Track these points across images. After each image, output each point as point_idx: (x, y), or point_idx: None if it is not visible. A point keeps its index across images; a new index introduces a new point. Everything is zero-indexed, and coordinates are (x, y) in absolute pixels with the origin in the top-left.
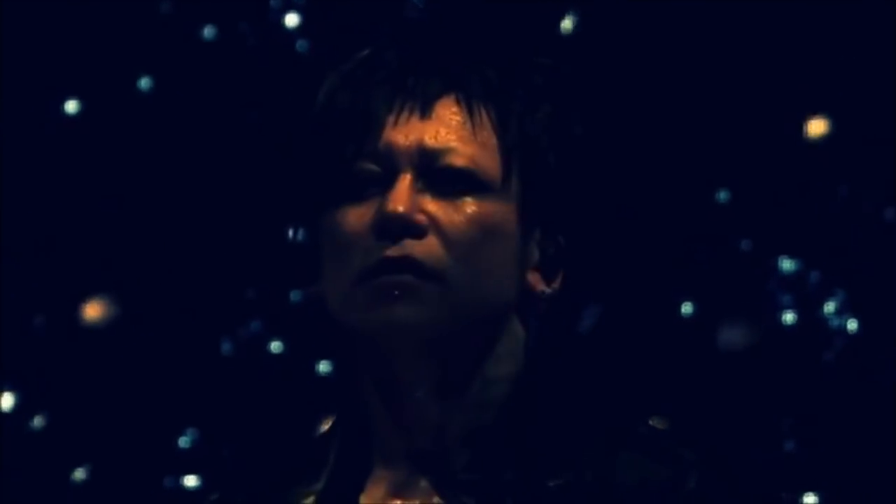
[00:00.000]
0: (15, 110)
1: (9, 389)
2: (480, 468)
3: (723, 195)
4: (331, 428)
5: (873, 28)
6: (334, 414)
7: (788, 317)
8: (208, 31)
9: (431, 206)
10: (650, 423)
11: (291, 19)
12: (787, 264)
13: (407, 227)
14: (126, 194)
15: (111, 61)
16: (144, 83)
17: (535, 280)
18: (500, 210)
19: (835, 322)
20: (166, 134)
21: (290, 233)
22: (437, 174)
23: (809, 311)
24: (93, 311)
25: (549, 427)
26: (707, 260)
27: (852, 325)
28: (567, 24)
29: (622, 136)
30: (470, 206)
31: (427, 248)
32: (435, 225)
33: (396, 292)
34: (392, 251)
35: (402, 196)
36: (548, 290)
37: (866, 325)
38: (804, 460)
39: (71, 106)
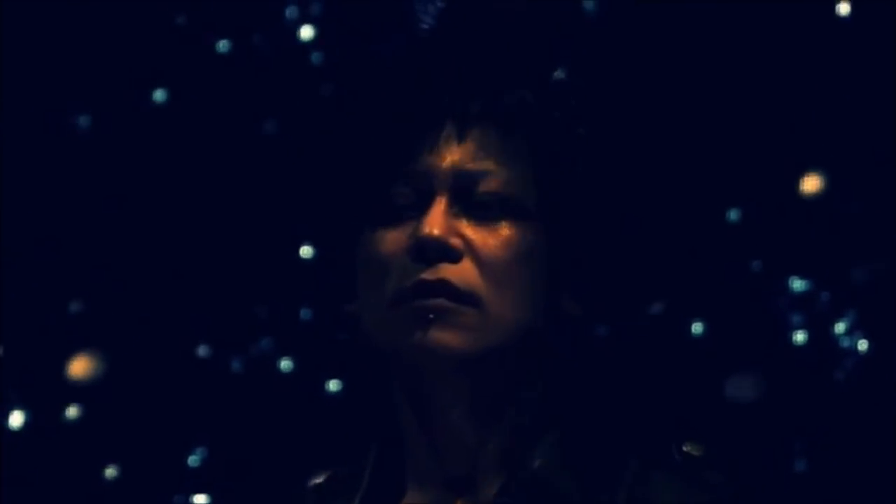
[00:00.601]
0: (25, 123)
1: (17, 407)
2: (513, 492)
3: (733, 215)
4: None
5: (879, 41)
6: (332, 465)
7: (799, 337)
8: (223, 45)
9: (467, 229)
10: (685, 448)
11: (306, 32)
12: (797, 284)
13: (442, 251)
14: (138, 206)
15: (126, 74)
16: (159, 95)
17: (567, 303)
18: (535, 234)
19: (845, 342)
20: (179, 147)
21: (325, 252)
22: (472, 198)
23: (820, 331)
24: (79, 367)
25: (582, 450)
26: (718, 280)
27: (863, 345)
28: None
29: (638, 157)
30: (505, 230)
31: (462, 272)
32: (470, 249)
33: (431, 316)
34: (427, 274)
35: (437, 219)
36: (580, 313)
37: (877, 345)
38: (814, 480)
39: (84, 119)
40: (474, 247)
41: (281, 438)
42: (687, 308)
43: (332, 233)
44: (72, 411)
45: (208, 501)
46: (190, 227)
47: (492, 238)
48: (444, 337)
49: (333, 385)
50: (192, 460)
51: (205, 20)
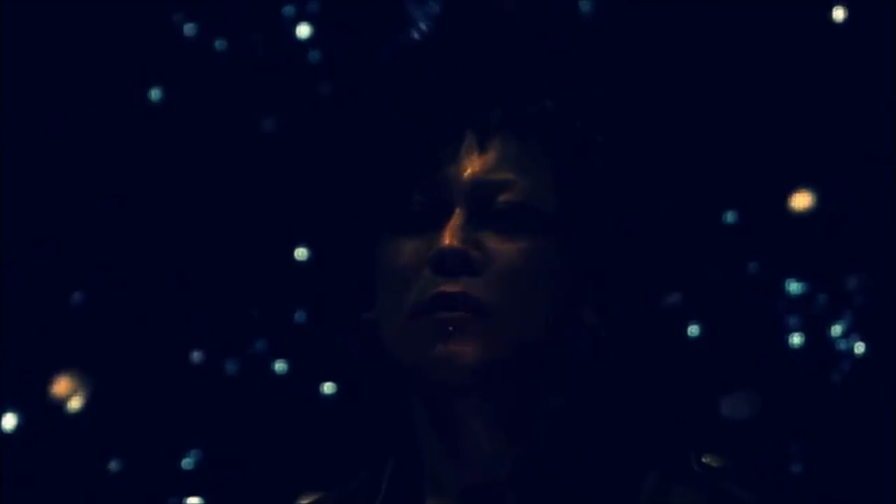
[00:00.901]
0: (16, 124)
1: (11, 409)
2: (532, 503)
3: (730, 217)
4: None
5: (876, 46)
6: (328, 469)
7: (796, 339)
8: (220, 43)
9: (487, 241)
10: (704, 459)
11: (303, 30)
12: (794, 287)
13: (463, 263)
14: (134, 205)
15: (122, 72)
16: (155, 94)
17: (588, 313)
18: (555, 244)
19: (842, 345)
20: (174, 146)
21: (342, 259)
22: (492, 209)
23: (817, 334)
24: (61, 387)
25: (602, 462)
26: (715, 282)
27: (859, 347)
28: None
29: (652, 163)
30: (525, 241)
31: (482, 284)
32: (490, 261)
33: (451, 328)
34: (447, 287)
35: (458, 231)
36: (600, 324)
37: (874, 348)
38: (811, 482)
39: (78, 120)
40: (494, 258)
41: (275, 441)
42: (684, 311)
43: (349, 240)
44: (66, 413)
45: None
46: (183, 229)
47: (512, 249)
48: (463, 349)
49: (328, 388)
50: (186, 463)
51: (201, 17)
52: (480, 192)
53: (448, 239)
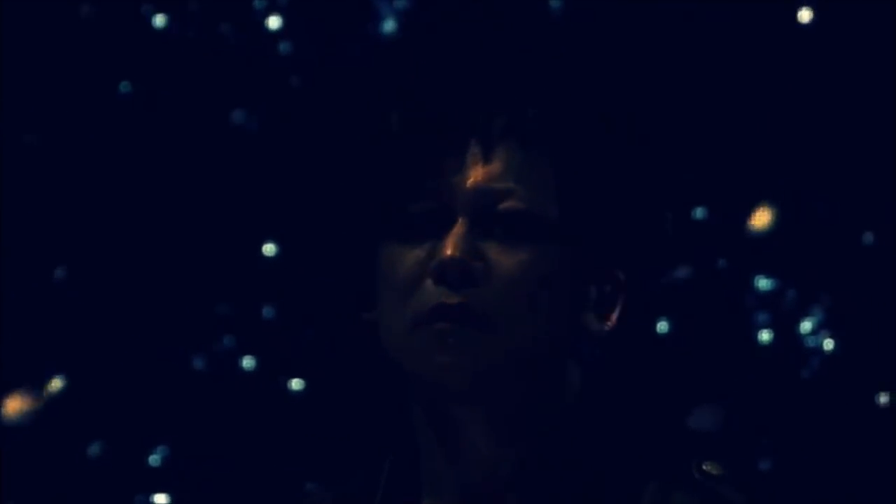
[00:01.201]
0: None
1: None
2: None
3: (699, 212)
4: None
5: (852, 44)
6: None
7: (765, 336)
8: (191, 34)
9: (489, 251)
10: (704, 467)
11: (274, 22)
12: (763, 283)
13: (463, 274)
14: (103, 199)
15: (92, 66)
16: (124, 87)
17: (590, 320)
18: (558, 252)
19: (811, 341)
20: (143, 140)
21: (343, 261)
22: (495, 217)
23: (786, 330)
24: (13, 405)
25: (603, 467)
26: (683, 278)
27: (829, 344)
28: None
29: (654, 165)
30: (527, 251)
31: (484, 294)
32: (492, 271)
33: (451, 339)
34: (448, 297)
35: (459, 241)
36: (603, 329)
37: (843, 344)
38: (780, 479)
39: (48, 114)
40: (496, 269)
41: (242, 437)
42: (651, 307)
43: (350, 244)
44: (31, 410)
45: (169, 501)
46: (153, 224)
47: (514, 259)
48: (463, 359)
49: (296, 384)
50: (153, 460)
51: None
52: (483, 201)
53: (450, 249)
